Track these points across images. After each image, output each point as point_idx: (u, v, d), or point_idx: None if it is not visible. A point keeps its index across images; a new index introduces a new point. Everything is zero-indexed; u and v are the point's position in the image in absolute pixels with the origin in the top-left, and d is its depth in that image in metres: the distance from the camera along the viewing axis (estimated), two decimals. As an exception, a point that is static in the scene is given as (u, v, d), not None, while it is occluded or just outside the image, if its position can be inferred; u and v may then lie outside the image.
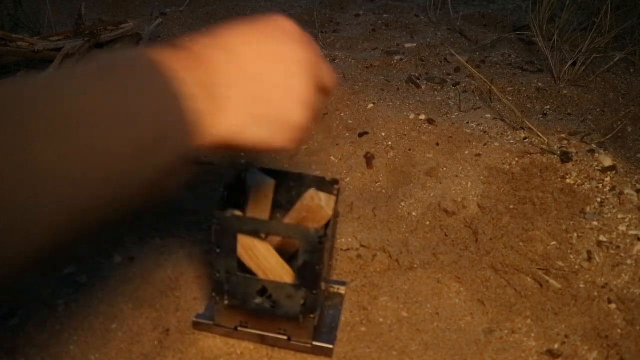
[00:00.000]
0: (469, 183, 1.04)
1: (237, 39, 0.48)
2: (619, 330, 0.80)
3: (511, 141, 1.13)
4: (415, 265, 0.91)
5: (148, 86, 0.42)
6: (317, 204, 0.76)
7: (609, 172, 1.03)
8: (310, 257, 0.68)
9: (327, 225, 0.75)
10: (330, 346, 0.76)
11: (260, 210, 0.78)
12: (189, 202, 1.04)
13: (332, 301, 0.83)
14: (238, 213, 0.74)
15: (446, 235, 0.97)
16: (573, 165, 1.05)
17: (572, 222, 0.95)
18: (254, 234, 0.72)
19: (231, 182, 0.76)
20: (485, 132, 1.17)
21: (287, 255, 0.78)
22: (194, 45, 0.46)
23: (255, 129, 0.48)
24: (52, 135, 0.37)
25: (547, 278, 0.88)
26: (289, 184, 0.80)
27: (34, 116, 0.37)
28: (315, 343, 0.75)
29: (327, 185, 0.78)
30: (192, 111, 0.43)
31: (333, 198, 0.77)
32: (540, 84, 1.37)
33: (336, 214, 0.77)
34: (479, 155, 1.09)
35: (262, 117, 0.48)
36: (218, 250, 0.71)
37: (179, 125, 0.42)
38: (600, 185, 1.01)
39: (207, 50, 0.46)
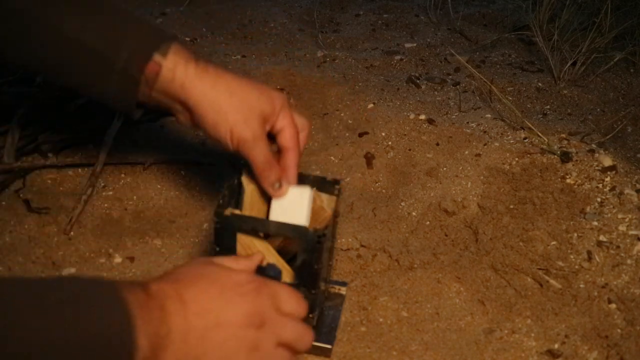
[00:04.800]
0: (469, 183, 1.04)
1: (195, 294, 0.55)
2: (619, 330, 0.80)
3: (511, 141, 1.13)
4: (415, 265, 0.91)
5: (100, 326, 0.48)
6: (318, 206, 0.76)
7: (609, 172, 1.03)
8: (308, 256, 0.68)
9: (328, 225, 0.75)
10: (329, 346, 0.75)
11: (256, 211, 0.78)
12: (189, 202, 1.04)
13: (333, 301, 0.83)
14: (237, 212, 0.74)
15: (446, 235, 0.97)
16: (573, 165, 1.05)
17: (572, 222, 0.95)
18: (253, 232, 0.72)
19: (232, 182, 0.76)
20: (485, 132, 1.17)
21: (289, 255, 0.78)
22: (157, 291, 0.53)
23: None
24: None
25: (547, 278, 0.88)
26: None
27: None
28: (313, 343, 0.75)
29: (328, 185, 0.78)
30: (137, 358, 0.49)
31: (334, 198, 0.77)
32: (540, 84, 1.38)
33: (337, 214, 0.77)
34: (479, 155, 1.09)
35: None
36: (217, 249, 0.72)
37: None
38: (600, 185, 1.01)
39: (165, 300, 0.53)
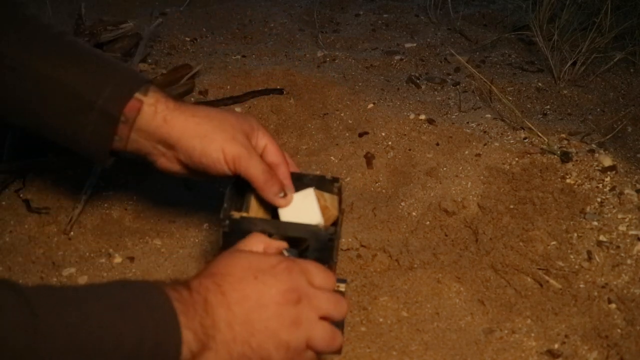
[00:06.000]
0: (469, 183, 1.04)
1: (232, 283, 0.58)
2: (619, 330, 0.80)
3: (511, 141, 1.13)
4: (415, 265, 0.91)
5: (151, 325, 0.51)
6: (322, 205, 0.76)
7: (609, 172, 1.03)
8: (321, 254, 0.69)
9: (334, 223, 0.75)
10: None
11: (262, 212, 0.77)
12: (189, 202, 1.04)
13: None
14: (245, 214, 0.74)
15: (446, 235, 0.97)
16: (573, 165, 1.05)
17: (572, 222, 0.95)
18: (263, 234, 0.72)
19: (235, 184, 0.76)
20: (485, 132, 1.17)
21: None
22: (199, 286, 0.57)
23: None
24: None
25: (547, 278, 0.88)
26: None
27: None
28: None
29: (327, 183, 0.78)
30: (183, 351, 0.52)
31: (336, 198, 0.77)
32: (540, 84, 1.37)
33: (342, 212, 0.77)
34: (479, 155, 1.09)
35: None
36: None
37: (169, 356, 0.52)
38: (600, 185, 1.01)
39: (207, 294, 0.56)
